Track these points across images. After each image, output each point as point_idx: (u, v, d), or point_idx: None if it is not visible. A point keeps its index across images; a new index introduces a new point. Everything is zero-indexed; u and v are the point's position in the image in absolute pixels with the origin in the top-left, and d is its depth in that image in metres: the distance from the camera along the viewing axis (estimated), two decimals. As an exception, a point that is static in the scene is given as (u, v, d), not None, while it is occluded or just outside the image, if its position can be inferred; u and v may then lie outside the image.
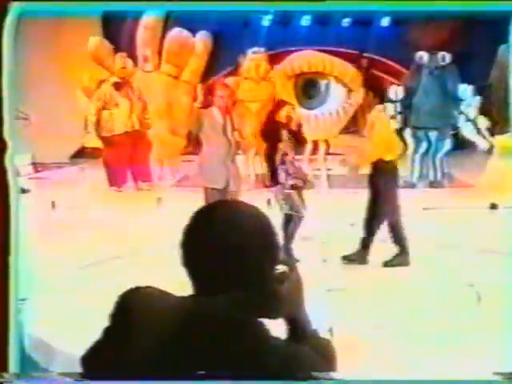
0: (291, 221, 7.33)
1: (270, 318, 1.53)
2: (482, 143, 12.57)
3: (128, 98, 10.41)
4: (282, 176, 7.37)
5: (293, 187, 7.33)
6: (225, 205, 1.66)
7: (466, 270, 6.77)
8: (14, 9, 1.57)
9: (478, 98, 12.63)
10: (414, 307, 5.77)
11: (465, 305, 5.85)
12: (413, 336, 5.10)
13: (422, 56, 12.75)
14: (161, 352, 1.47)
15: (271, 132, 7.61)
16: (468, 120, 12.76)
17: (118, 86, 10.35)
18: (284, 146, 7.40)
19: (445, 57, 12.64)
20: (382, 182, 7.25)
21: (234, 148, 7.13)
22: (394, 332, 5.20)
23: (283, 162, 7.39)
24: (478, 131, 12.72)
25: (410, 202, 8.28)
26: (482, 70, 13.09)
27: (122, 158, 10.42)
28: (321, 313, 5.75)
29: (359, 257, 7.35)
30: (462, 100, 12.65)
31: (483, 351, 4.68)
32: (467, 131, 12.80)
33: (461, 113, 12.64)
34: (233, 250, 1.49)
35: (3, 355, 1.62)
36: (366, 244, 7.38)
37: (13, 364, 1.58)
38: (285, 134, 7.43)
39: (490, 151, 11.96)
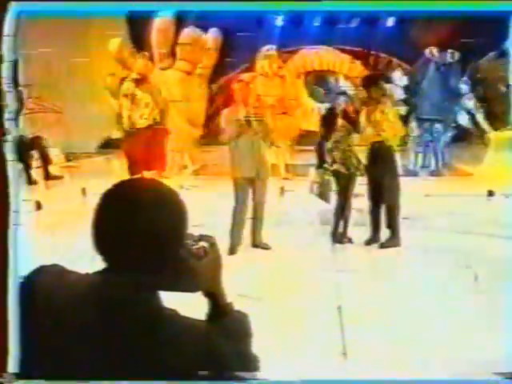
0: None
1: (188, 291, 1.52)
2: (480, 136, 12.41)
3: (149, 92, 10.33)
4: (327, 161, 7.21)
5: (334, 172, 7.16)
6: (132, 183, 1.57)
7: (465, 252, 6.64)
8: (13, 9, 1.48)
9: (478, 93, 12.43)
10: (412, 290, 5.61)
11: (463, 285, 5.69)
12: (410, 323, 4.85)
13: (432, 51, 12.45)
14: (69, 329, 1.39)
15: (328, 120, 7.40)
16: (468, 114, 12.57)
17: (138, 82, 10.25)
18: (338, 134, 7.23)
19: (454, 54, 12.34)
20: (382, 167, 7.06)
21: (257, 137, 6.95)
22: (394, 318, 4.99)
23: (333, 149, 7.23)
24: (478, 125, 12.55)
25: (412, 190, 8.21)
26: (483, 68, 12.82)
27: (141, 149, 10.33)
28: (330, 291, 5.53)
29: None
30: (463, 95, 12.42)
31: (484, 347, 4.36)
32: (467, 124, 12.62)
33: (461, 107, 12.44)
34: (141, 227, 1.41)
35: (3, 355, 1.53)
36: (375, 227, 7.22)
37: (13, 364, 1.49)
38: (340, 122, 7.22)
39: (487, 143, 11.84)
